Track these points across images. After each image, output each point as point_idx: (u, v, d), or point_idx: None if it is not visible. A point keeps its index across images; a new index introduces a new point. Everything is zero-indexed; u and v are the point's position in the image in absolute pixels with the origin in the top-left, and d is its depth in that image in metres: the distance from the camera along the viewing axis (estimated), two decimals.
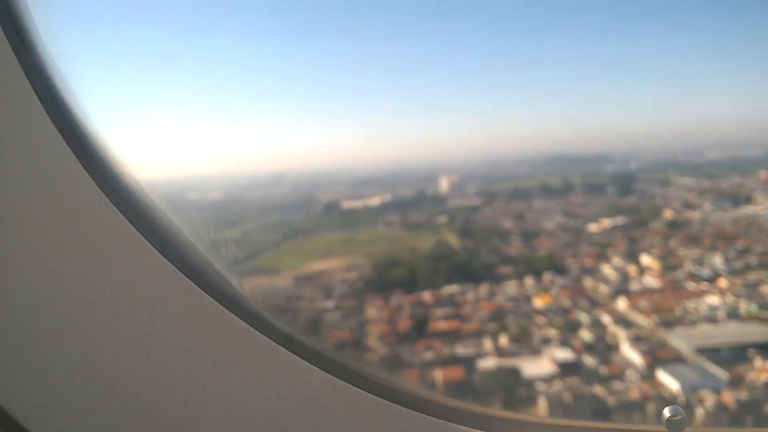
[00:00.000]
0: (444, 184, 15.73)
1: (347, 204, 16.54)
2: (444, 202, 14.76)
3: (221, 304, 0.70)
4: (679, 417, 0.73)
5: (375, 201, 16.25)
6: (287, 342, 0.73)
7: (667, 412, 0.74)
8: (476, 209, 11.11)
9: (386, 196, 16.48)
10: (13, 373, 0.63)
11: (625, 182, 8.39)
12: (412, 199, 15.95)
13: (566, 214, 7.08)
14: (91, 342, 0.66)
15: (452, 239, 8.50)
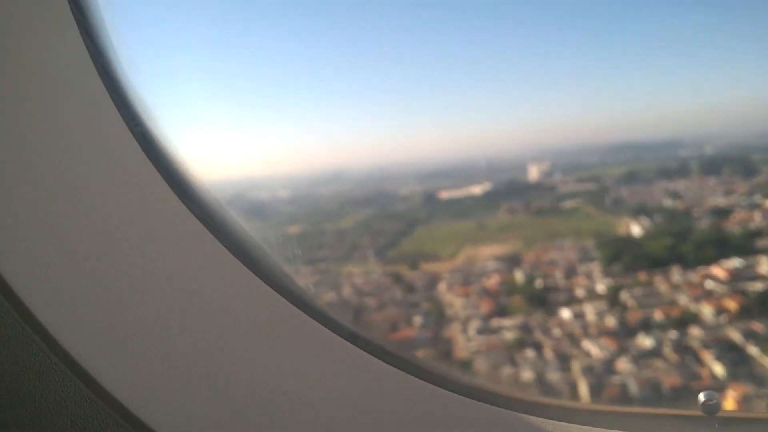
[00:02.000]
0: (534, 172, 16.66)
1: (445, 194, 17.52)
2: (554, 189, 15.54)
3: (294, 305, 0.73)
4: (714, 401, 0.74)
5: (476, 190, 17.13)
6: (353, 338, 0.76)
7: (702, 396, 0.76)
8: (604, 192, 12.17)
9: (486, 186, 17.31)
10: (135, 374, 0.64)
11: (739, 163, 8.43)
12: (513, 187, 16.71)
13: (727, 193, 7.02)
14: (189, 345, 0.68)
15: (616, 223, 9.15)
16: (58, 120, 0.63)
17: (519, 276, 8.76)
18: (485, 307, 7.50)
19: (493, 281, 8.80)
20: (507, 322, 6.41)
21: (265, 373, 0.71)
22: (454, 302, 8.66)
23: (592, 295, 6.13)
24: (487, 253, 13.11)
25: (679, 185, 9.19)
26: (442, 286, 9.08)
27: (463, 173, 15.17)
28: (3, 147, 0.61)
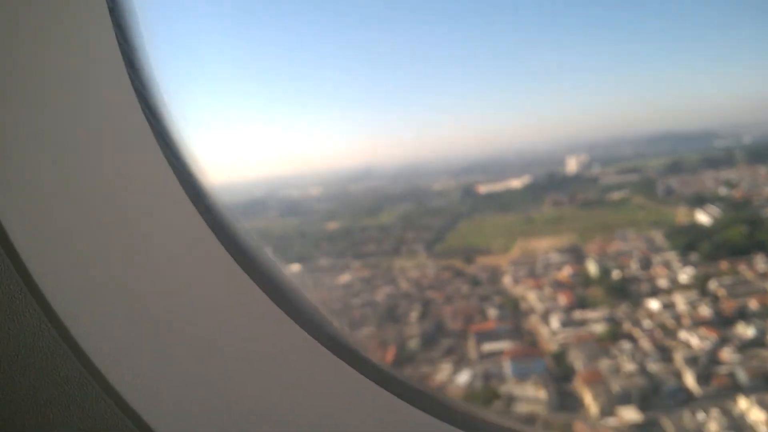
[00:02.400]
0: (572, 164, 16.55)
1: (484, 188, 17.56)
2: (596, 181, 15.43)
3: (317, 339, 0.69)
4: None
5: (516, 183, 17.10)
6: (385, 381, 0.70)
7: None
8: (651, 182, 12.01)
9: (526, 179, 17.15)
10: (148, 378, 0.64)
11: None
12: (553, 180, 16.65)
13: None
14: (195, 350, 0.66)
15: (672, 212, 9.24)
16: (81, 116, 0.63)
17: (592, 267, 8.73)
18: (564, 299, 7.52)
19: (564, 273, 8.80)
20: (592, 314, 6.42)
21: (265, 390, 0.69)
22: (528, 295, 8.69)
23: (676, 285, 6.02)
24: (543, 246, 12.87)
25: (730, 174, 9.42)
26: (506, 279, 9.09)
27: (495, 167, 15.19)
28: (26, 142, 0.61)
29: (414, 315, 10.57)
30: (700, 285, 5.89)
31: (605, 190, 12.75)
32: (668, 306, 5.45)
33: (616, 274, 6.79)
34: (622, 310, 6.57)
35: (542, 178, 13.66)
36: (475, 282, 10.90)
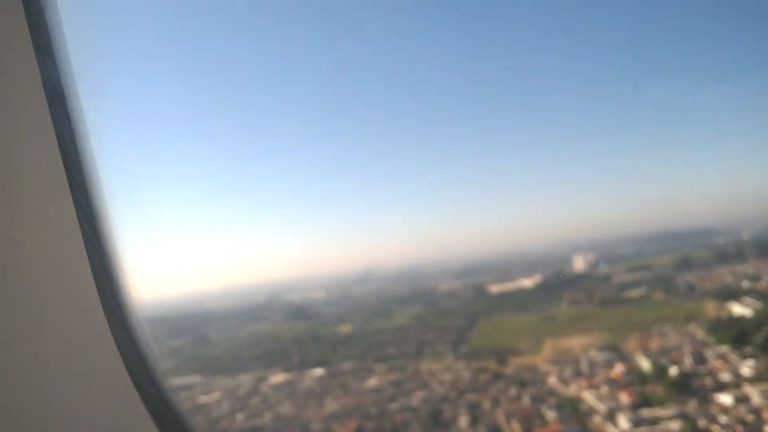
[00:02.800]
0: (580, 263, 16.88)
1: (495, 288, 16.80)
2: (608, 279, 15.67)
3: None
4: None
5: (527, 282, 17.20)
6: None
7: None
8: (665, 281, 12.40)
9: (537, 278, 17.32)
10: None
11: None
12: (563, 279, 16.91)
13: None
14: None
15: (698, 307, 9.54)
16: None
17: (645, 364, 8.75)
18: (625, 397, 7.58)
19: (617, 371, 8.82)
20: (661, 412, 6.45)
21: None
22: (583, 395, 8.67)
23: (740, 378, 6.07)
24: (574, 345, 12.84)
25: (746, 269, 9.83)
26: (552, 379, 9.16)
27: (498, 268, 15.59)
28: None
29: (464, 419, 10.38)
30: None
31: (621, 288, 12.96)
32: (741, 400, 5.39)
33: (673, 370, 6.77)
34: (692, 406, 6.62)
35: (552, 278, 13.99)
36: (521, 383, 10.83)
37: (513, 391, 11.01)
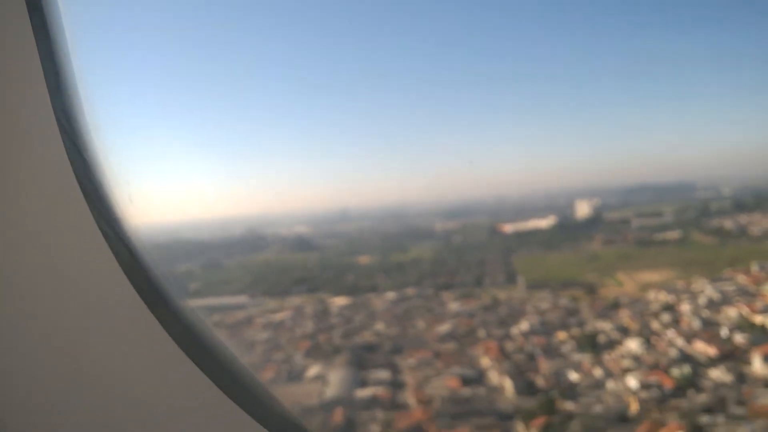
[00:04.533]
0: (585, 208, 17.75)
1: (509, 228, 16.79)
2: (628, 223, 16.50)
3: (245, 410, 0.65)
4: None
5: (542, 224, 17.74)
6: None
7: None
8: (696, 224, 13.08)
9: (552, 219, 18.06)
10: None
11: None
12: (580, 222, 17.50)
13: None
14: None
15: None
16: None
17: None
18: None
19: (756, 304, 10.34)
20: None
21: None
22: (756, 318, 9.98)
23: None
24: (653, 280, 13.84)
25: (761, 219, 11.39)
26: (684, 307, 10.38)
27: (481, 211, 16.18)
28: None
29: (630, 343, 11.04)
30: None
31: (643, 231, 13.83)
32: None
33: None
34: None
35: (566, 220, 14.40)
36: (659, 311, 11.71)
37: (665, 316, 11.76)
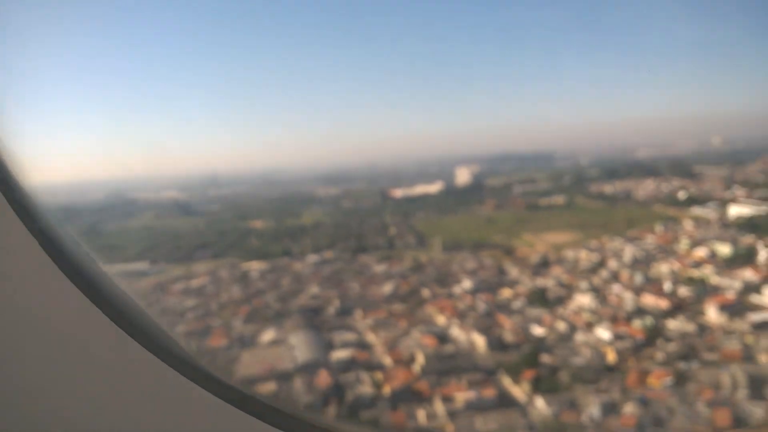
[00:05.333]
0: (465, 175, 17.06)
1: (399, 192, 16.97)
2: (509, 188, 16.01)
3: (166, 363, 0.62)
4: None
5: (432, 189, 17.05)
6: (242, 401, 0.65)
7: None
8: (579, 187, 14.08)
9: (440, 185, 17.17)
10: None
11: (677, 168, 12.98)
12: (462, 187, 16.60)
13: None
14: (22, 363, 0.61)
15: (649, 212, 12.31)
16: None
17: (723, 249, 11.77)
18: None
19: (701, 254, 11.80)
20: None
21: (100, 404, 0.62)
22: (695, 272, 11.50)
23: None
24: (562, 241, 14.50)
25: (635, 185, 12.70)
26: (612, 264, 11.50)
27: (354, 177, 16.32)
28: None
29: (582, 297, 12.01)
30: None
31: (527, 196, 14.35)
32: None
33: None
34: None
35: (450, 185, 15.01)
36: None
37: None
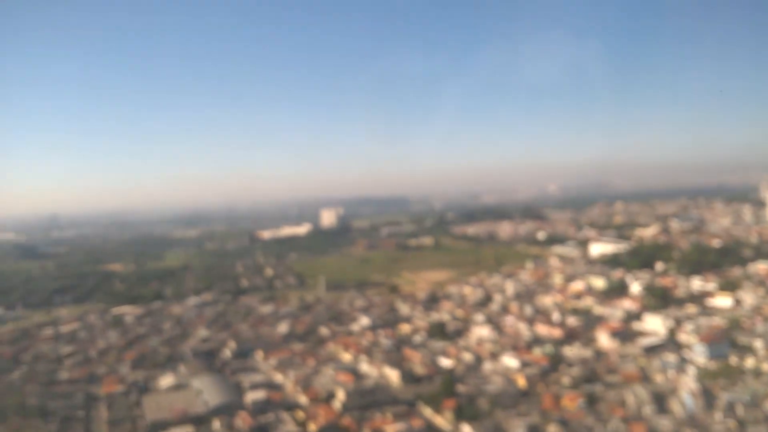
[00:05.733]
0: (330, 217, 71.97)
1: (266, 234, 62.25)
2: (377, 230, 62.15)
3: None
4: None
5: (300, 231, 63.04)
6: None
7: None
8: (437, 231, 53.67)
9: (308, 226, 65.33)
10: None
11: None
12: (328, 229, 66.18)
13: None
14: None
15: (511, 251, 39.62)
16: None
17: (598, 282, 15.45)
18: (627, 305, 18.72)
19: (579, 287, 15.72)
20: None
21: None
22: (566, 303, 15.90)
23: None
24: (441, 278, 19.92)
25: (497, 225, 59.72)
26: (495, 303, 16.48)
27: (204, 219, 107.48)
28: None
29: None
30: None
31: (400, 237, 48.86)
32: None
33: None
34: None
35: (318, 228, 58.20)
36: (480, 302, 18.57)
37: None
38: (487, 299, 37.53)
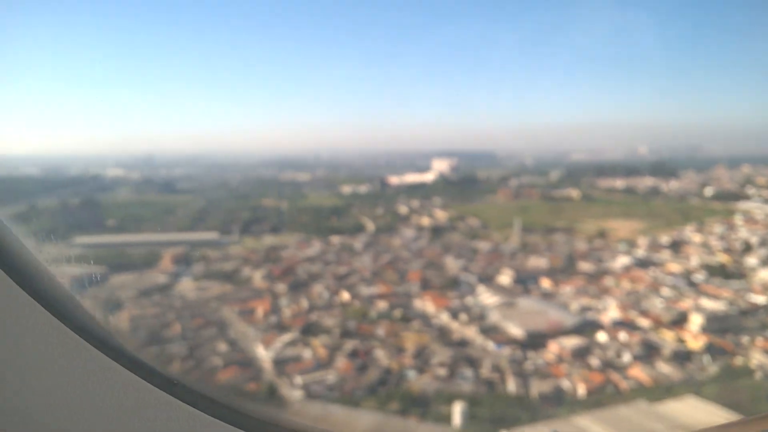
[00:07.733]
0: (443, 167, 20.25)
1: (394, 180, 19.18)
2: (506, 180, 19.05)
3: (92, 344, 0.63)
4: None
5: (428, 178, 19.71)
6: (167, 386, 0.65)
7: None
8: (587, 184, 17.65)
9: (434, 174, 19.98)
10: None
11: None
12: (452, 179, 19.64)
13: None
14: None
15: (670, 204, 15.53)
16: None
17: None
18: None
19: None
20: None
21: (31, 393, 0.64)
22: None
23: None
24: (635, 228, 15.35)
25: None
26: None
27: (312, 164, 19.31)
28: None
29: None
30: None
31: (538, 188, 17.59)
32: None
33: None
34: None
35: (443, 176, 18.33)
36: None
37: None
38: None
